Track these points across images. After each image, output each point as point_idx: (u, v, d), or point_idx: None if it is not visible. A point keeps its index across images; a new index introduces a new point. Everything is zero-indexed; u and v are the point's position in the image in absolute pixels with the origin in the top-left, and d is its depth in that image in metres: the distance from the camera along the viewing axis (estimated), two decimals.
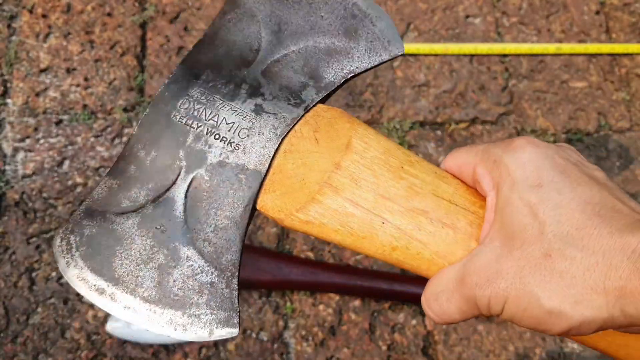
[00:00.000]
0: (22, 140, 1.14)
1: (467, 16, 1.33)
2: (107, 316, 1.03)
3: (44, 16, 1.23)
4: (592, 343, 0.44)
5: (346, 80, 0.46)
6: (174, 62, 1.22)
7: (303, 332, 1.06)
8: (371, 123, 1.22)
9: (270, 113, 0.44)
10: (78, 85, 1.19)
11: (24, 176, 1.12)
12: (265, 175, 0.43)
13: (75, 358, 1.02)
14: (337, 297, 1.09)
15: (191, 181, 0.43)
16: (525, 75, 1.29)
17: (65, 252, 0.43)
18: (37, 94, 1.17)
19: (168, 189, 0.44)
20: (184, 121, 0.44)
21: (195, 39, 1.24)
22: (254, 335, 1.06)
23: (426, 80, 1.26)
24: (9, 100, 1.17)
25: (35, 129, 1.15)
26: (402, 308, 1.09)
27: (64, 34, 1.22)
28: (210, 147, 0.44)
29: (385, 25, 0.46)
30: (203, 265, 0.43)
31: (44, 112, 1.16)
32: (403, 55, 0.47)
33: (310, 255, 1.11)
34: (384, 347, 1.07)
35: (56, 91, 1.18)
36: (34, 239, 1.08)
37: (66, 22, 1.23)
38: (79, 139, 1.15)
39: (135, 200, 0.44)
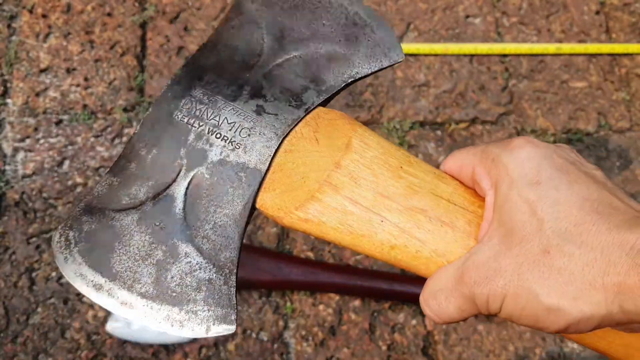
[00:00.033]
0: (22, 140, 1.14)
1: (467, 16, 1.33)
2: (107, 316, 1.03)
3: (44, 16, 1.23)
4: (592, 343, 0.44)
5: (347, 85, 0.47)
6: (174, 62, 1.22)
7: (303, 332, 1.06)
8: (371, 123, 1.22)
9: (271, 114, 0.44)
10: (78, 85, 1.19)
11: (24, 176, 1.12)
12: (265, 174, 0.44)
13: (75, 358, 1.02)
14: (337, 297, 1.09)
15: (191, 179, 0.44)
16: (525, 75, 1.29)
17: (63, 248, 0.44)
18: (37, 94, 1.17)
19: (168, 187, 0.44)
20: (185, 120, 0.45)
21: (195, 39, 1.24)
22: (254, 335, 1.06)
23: (426, 80, 1.26)
24: (9, 100, 1.17)
25: (35, 129, 1.15)
26: (402, 308, 1.09)
27: (64, 34, 1.22)
28: (211, 145, 0.44)
29: (385, 33, 0.47)
30: (201, 262, 0.43)
31: (44, 112, 1.16)
32: (402, 61, 0.48)
33: (310, 255, 1.11)
34: (384, 347, 1.07)
35: (56, 91, 1.18)
36: (34, 239, 1.08)
37: (66, 22, 1.23)
38: (79, 139, 1.15)
39: (135, 197, 0.44)
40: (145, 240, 0.43)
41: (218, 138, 0.44)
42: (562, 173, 0.39)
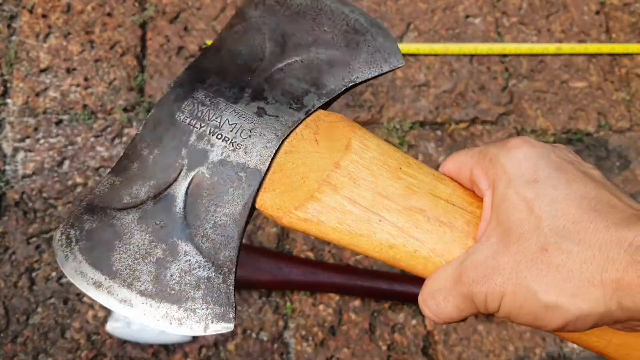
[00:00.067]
0: (22, 140, 1.14)
1: (467, 16, 1.33)
2: (107, 316, 1.03)
3: (44, 16, 1.23)
4: (590, 343, 0.44)
5: (347, 89, 0.47)
6: (174, 62, 1.22)
7: (303, 332, 1.06)
8: (371, 123, 1.22)
9: (272, 116, 0.45)
10: (78, 85, 1.19)
11: (24, 176, 1.12)
12: (266, 174, 0.44)
13: (75, 358, 1.02)
14: (337, 297, 1.09)
15: (192, 178, 0.44)
16: (525, 75, 1.29)
17: (64, 246, 0.44)
18: (37, 94, 1.17)
19: (169, 186, 0.44)
20: (187, 121, 0.45)
21: (195, 39, 1.24)
22: (254, 335, 1.06)
23: (426, 80, 1.26)
24: (9, 100, 1.17)
25: (35, 129, 1.15)
26: (402, 308, 1.09)
27: (64, 34, 1.22)
28: (212, 146, 0.45)
29: (385, 39, 0.48)
30: (200, 261, 0.43)
31: (44, 112, 1.16)
32: (402, 66, 0.49)
33: (310, 255, 1.11)
34: (384, 347, 1.07)
35: (56, 91, 1.18)
36: (34, 239, 1.08)
37: (66, 22, 1.23)
38: (79, 139, 1.15)
39: (136, 196, 0.45)
40: (145, 238, 0.44)
41: (219, 139, 0.45)
42: (559, 172, 0.39)
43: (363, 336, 1.07)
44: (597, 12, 1.36)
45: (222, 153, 0.44)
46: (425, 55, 1.28)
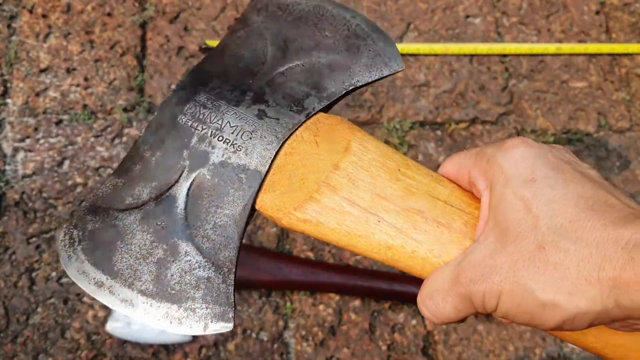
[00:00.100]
0: (22, 140, 1.14)
1: (467, 16, 1.33)
2: (107, 316, 1.04)
3: (44, 16, 1.23)
4: (587, 344, 0.44)
5: (347, 92, 0.48)
6: (174, 62, 1.22)
7: (303, 332, 1.06)
8: (371, 123, 1.22)
9: (272, 118, 0.45)
10: (78, 85, 1.19)
11: (24, 176, 1.12)
12: (266, 175, 0.44)
13: (75, 358, 1.02)
14: (337, 297, 1.09)
15: (193, 180, 0.45)
16: (525, 75, 1.29)
17: (67, 246, 0.45)
18: (37, 94, 1.17)
19: (170, 187, 0.45)
20: (189, 124, 0.46)
21: (195, 39, 1.24)
22: (254, 335, 1.06)
23: (426, 80, 1.26)
24: (9, 100, 1.17)
25: (35, 129, 1.15)
26: (402, 308, 1.09)
27: (64, 34, 1.22)
28: (213, 148, 0.45)
29: (386, 43, 0.49)
30: (201, 261, 0.44)
31: (44, 112, 1.16)
32: (402, 70, 0.50)
33: (310, 255, 1.11)
34: (384, 347, 1.07)
35: (56, 91, 1.18)
36: (34, 239, 1.08)
37: (66, 22, 1.23)
38: (79, 139, 1.15)
39: (138, 197, 0.45)
40: (146, 239, 0.44)
41: (220, 141, 0.45)
42: (557, 172, 0.39)
43: (363, 336, 1.07)
44: (597, 12, 1.36)
45: (223, 155, 0.45)
46: (425, 55, 1.28)
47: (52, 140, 1.14)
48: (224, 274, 0.43)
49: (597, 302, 0.35)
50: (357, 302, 1.09)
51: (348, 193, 0.43)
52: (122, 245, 0.44)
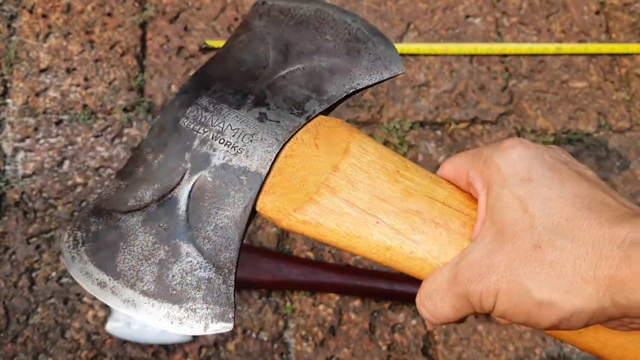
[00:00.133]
0: (22, 140, 1.14)
1: (467, 16, 1.33)
2: (107, 316, 1.04)
3: (44, 16, 1.23)
4: (585, 345, 0.44)
5: (348, 95, 0.48)
6: (174, 62, 1.22)
7: (303, 332, 1.06)
8: (371, 123, 1.22)
9: (273, 121, 0.46)
10: (78, 85, 1.19)
11: (24, 176, 1.12)
12: (266, 177, 0.45)
13: (75, 358, 1.02)
14: (337, 297, 1.09)
15: (195, 182, 0.45)
16: (525, 75, 1.29)
17: (71, 248, 0.46)
18: (37, 94, 1.17)
19: (172, 189, 0.46)
20: (191, 127, 0.47)
21: (195, 39, 1.24)
22: (254, 335, 1.06)
23: (426, 80, 1.26)
24: (9, 100, 1.17)
25: (35, 129, 1.15)
26: (402, 308, 1.09)
27: (64, 34, 1.22)
28: (214, 150, 0.46)
29: (386, 47, 0.49)
30: (202, 262, 0.44)
31: (44, 112, 1.16)
32: (402, 74, 0.50)
33: (310, 255, 1.11)
34: (384, 347, 1.07)
35: (56, 91, 1.18)
36: (34, 239, 1.08)
37: (66, 22, 1.23)
38: (79, 139, 1.15)
39: (141, 199, 0.46)
40: (149, 240, 0.45)
41: (221, 143, 0.46)
42: (553, 172, 0.39)
43: (363, 336, 1.07)
44: (597, 12, 1.36)
45: (224, 157, 0.45)
46: (425, 55, 1.28)
47: (52, 140, 1.14)
48: (225, 274, 0.44)
49: (593, 301, 0.35)
50: (357, 302, 1.09)
51: (347, 194, 0.43)
52: (124, 247, 0.45)
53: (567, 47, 1.31)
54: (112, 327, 1.01)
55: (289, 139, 0.46)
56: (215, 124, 0.46)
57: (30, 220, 1.09)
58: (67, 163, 1.13)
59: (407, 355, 1.07)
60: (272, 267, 1.05)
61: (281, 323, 1.07)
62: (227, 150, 0.45)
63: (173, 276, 0.44)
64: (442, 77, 1.27)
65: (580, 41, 1.33)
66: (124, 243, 0.45)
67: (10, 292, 1.05)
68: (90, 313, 1.04)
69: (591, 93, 1.29)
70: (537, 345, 1.09)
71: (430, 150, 1.21)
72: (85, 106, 1.17)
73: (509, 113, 1.26)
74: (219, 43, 1.23)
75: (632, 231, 0.35)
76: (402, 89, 1.25)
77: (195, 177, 0.45)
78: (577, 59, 1.32)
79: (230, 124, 0.46)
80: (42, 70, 1.19)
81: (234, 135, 0.46)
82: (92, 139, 1.15)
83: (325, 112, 0.48)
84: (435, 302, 0.41)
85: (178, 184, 0.46)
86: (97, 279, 0.44)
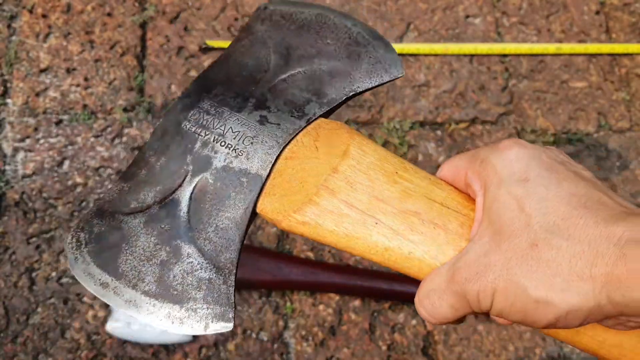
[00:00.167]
0: (22, 140, 1.14)
1: (467, 16, 1.33)
2: (107, 316, 1.04)
3: (44, 16, 1.23)
4: (583, 344, 0.44)
5: (348, 98, 0.49)
6: (174, 62, 1.22)
7: (303, 332, 1.06)
8: (371, 123, 1.22)
9: (273, 123, 0.47)
10: (78, 85, 1.19)
11: (24, 176, 1.12)
12: (266, 179, 0.46)
13: (75, 358, 1.02)
14: (337, 297, 1.09)
15: (196, 184, 0.46)
16: (525, 75, 1.29)
17: (74, 249, 0.46)
18: (37, 94, 1.17)
19: (174, 191, 0.46)
20: (193, 130, 0.47)
21: (195, 39, 1.24)
22: (254, 335, 1.06)
23: (426, 80, 1.26)
24: (9, 100, 1.17)
25: (35, 129, 1.15)
26: (402, 308, 1.09)
27: (64, 34, 1.22)
28: (216, 153, 0.46)
29: (386, 50, 0.50)
30: (202, 263, 0.45)
31: (44, 112, 1.16)
32: (402, 76, 0.51)
33: (310, 255, 1.11)
34: (384, 347, 1.07)
35: (56, 91, 1.18)
36: (34, 239, 1.08)
37: (66, 22, 1.23)
38: (79, 139, 1.15)
39: (143, 201, 0.47)
40: (150, 241, 0.45)
41: (223, 146, 0.46)
42: (550, 172, 0.40)
43: (363, 336, 1.07)
44: (597, 12, 1.36)
45: (225, 159, 0.46)
46: (425, 55, 1.28)
47: (52, 140, 1.15)
48: (225, 275, 0.44)
49: (590, 298, 0.36)
50: (357, 302, 1.09)
51: (346, 196, 0.44)
52: (126, 248, 0.45)
53: (567, 47, 1.31)
54: (112, 327, 1.01)
55: (289, 141, 0.46)
56: (216, 127, 0.47)
57: (30, 220, 1.09)
58: (67, 163, 1.13)
59: (407, 355, 1.07)
60: (272, 267, 1.05)
61: (281, 323, 1.07)
62: (228, 153, 0.46)
63: (174, 277, 0.44)
64: (442, 77, 1.27)
65: (580, 41, 1.33)
66: (126, 244, 0.45)
67: (10, 292, 1.05)
68: (90, 313, 1.04)
69: (591, 93, 1.29)
70: (537, 345, 1.09)
71: (430, 150, 1.21)
72: (85, 106, 1.17)
73: (509, 113, 1.26)
74: (219, 43, 1.23)
75: (628, 230, 0.35)
76: (402, 89, 1.25)
77: (196, 179, 0.46)
78: (577, 59, 1.32)
79: (231, 127, 0.47)
80: (42, 70, 1.19)
81: (235, 138, 0.46)
82: (92, 139, 1.15)
83: (326, 115, 0.49)
84: (433, 302, 0.42)
85: (180, 185, 0.46)
86: (99, 280, 0.45)
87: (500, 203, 0.39)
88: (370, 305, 1.09)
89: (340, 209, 0.43)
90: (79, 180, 1.12)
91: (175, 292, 0.44)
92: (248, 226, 0.46)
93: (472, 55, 1.29)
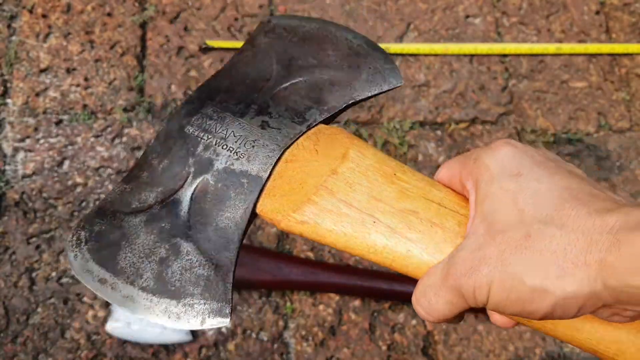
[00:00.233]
0: (22, 140, 1.14)
1: (467, 16, 1.33)
2: (107, 316, 1.04)
3: (44, 16, 1.23)
4: (582, 341, 0.44)
5: (348, 106, 0.50)
6: (174, 62, 1.22)
7: (303, 332, 1.07)
8: (371, 123, 1.22)
9: (275, 128, 0.48)
10: (78, 85, 1.19)
11: (24, 176, 1.12)
12: (267, 181, 0.47)
13: (75, 358, 1.02)
14: (337, 297, 1.09)
15: (197, 185, 0.47)
16: (525, 75, 1.29)
17: (74, 246, 0.47)
18: (37, 94, 1.17)
19: (176, 192, 0.47)
20: (195, 134, 0.49)
21: (195, 39, 1.24)
22: (254, 335, 1.06)
23: (426, 80, 1.26)
24: (9, 100, 1.17)
25: (35, 129, 1.15)
26: (402, 308, 1.09)
27: (64, 34, 1.22)
28: (217, 155, 0.47)
29: (386, 61, 0.52)
30: (201, 260, 0.45)
31: (44, 112, 1.16)
32: (401, 86, 0.52)
33: (310, 255, 1.11)
34: (384, 347, 1.07)
35: (56, 91, 1.18)
36: (34, 239, 1.08)
37: (66, 22, 1.23)
38: (79, 139, 1.15)
39: (144, 201, 0.48)
40: (150, 239, 0.46)
41: (224, 149, 0.48)
42: (542, 167, 0.40)
43: (363, 336, 1.07)
44: (597, 12, 1.36)
45: (227, 161, 0.47)
46: (425, 55, 1.28)
47: (52, 140, 1.15)
48: (223, 272, 0.45)
49: (585, 285, 0.36)
50: (357, 302, 1.09)
51: (345, 196, 0.44)
52: (126, 245, 0.46)
53: (567, 47, 1.31)
54: (112, 327, 1.01)
55: (289, 145, 0.47)
56: (218, 131, 0.48)
57: (30, 220, 1.09)
58: (67, 163, 1.13)
59: (407, 355, 1.07)
60: (272, 267, 1.05)
61: (281, 323, 1.07)
62: (230, 155, 0.47)
63: (172, 273, 0.45)
64: (442, 77, 1.27)
65: (580, 41, 1.33)
66: (126, 242, 0.46)
67: (10, 292, 1.05)
68: (90, 313, 1.04)
69: (591, 93, 1.29)
70: (537, 345, 1.09)
71: (430, 150, 1.21)
72: (85, 106, 1.17)
73: (509, 113, 1.26)
74: (219, 43, 1.23)
75: (621, 219, 0.36)
76: (402, 89, 1.25)
77: (198, 180, 0.47)
78: (577, 59, 1.32)
79: (233, 131, 0.48)
80: (42, 70, 1.19)
81: (236, 142, 0.48)
82: (92, 139, 1.15)
83: (326, 122, 0.50)
84: (429, 299, 0.42)
85: (181, 187, 0.47)
86: (97, 276, 0.46)
87: (493, 197, 0.40)
88: (370, 305, 1.09)
89: (339, 208, 0.44)
90: (79, 180, 1.12)
91: (173, 288, 0.45)
92: (247, 226, 0.46)
93: (472, 55, 1.29)
